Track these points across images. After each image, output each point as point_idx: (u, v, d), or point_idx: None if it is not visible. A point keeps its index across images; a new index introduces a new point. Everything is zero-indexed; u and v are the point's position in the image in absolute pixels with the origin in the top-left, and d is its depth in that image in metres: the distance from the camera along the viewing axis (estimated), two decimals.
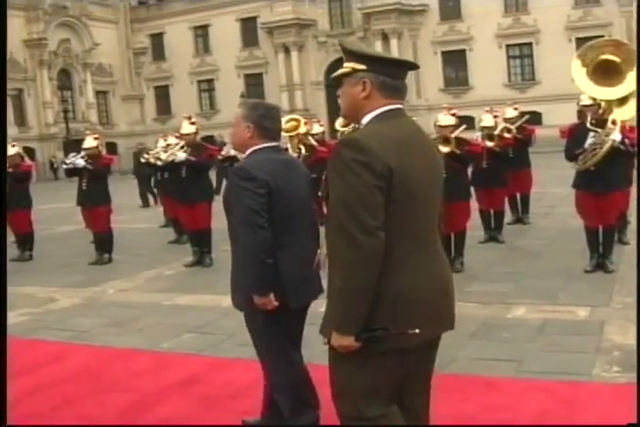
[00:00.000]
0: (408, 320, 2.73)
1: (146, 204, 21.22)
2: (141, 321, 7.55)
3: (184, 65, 55.01)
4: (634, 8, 36.17)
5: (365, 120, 2.84)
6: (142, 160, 13.65)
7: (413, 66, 2.97)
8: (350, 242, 2.61)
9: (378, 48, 46.47)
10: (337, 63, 49.71)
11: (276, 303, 3.81)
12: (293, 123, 9.31)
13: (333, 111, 11.05)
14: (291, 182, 3.90)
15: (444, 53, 47.57)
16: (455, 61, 47.39)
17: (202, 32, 55.07)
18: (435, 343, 3.03)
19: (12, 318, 8.01)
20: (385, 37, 47.14)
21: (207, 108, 54.83)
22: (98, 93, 54.81)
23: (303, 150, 11.90)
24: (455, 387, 4.87)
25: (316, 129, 13.95)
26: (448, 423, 4.12)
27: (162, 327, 7.20)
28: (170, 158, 11.05)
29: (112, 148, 52.24)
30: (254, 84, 53.13)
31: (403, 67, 2.89)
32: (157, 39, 57.04)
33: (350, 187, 2.61)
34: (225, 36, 52.73)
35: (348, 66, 2.86)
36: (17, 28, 48.06)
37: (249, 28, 52.77)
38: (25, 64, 49.37)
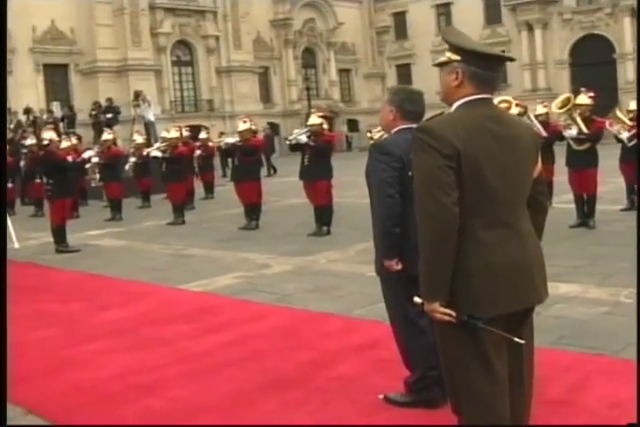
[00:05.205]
0: (480, 295, 2.95)
1: None
2: (342, 289, 8.01)
3: (426, 43, 54.85)
4: None
5: (454, 107, 3.10)
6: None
7: (504, 59, 3.16)
8: (426, 217, 2.92)
9: (626, 25, 44.53)
10: (582, 41, 48.03)
11: (398, 267, 4.15)
12: (505, 104, 9.32)
13: (578, 91, 10.91)
14: None
15: None
16: None
17: (444, 10, 54.81)
18: (524, 317, 3.15)
19: (227, 280, 8.81)
20: (634, 14, 44.72)
21: None
22: (340, 71, 56.20)
23: None
24: (619, 371, 4.89)
25: (540, 110, 13.60)
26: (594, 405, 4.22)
27: (359, 296, 7.59)
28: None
29: (354, 124, 53.72)
30: None
31: (492, 60, 3.08)
32: (400, 18, 57.47)
33: (426, 167, 2.92)
34: (467, 13, 52.08)
35: (447, 55, 3.11)
36: (265, 8, 50.37)
37: (492, 6, 51.87)
38: (271, 43, 51.57)
